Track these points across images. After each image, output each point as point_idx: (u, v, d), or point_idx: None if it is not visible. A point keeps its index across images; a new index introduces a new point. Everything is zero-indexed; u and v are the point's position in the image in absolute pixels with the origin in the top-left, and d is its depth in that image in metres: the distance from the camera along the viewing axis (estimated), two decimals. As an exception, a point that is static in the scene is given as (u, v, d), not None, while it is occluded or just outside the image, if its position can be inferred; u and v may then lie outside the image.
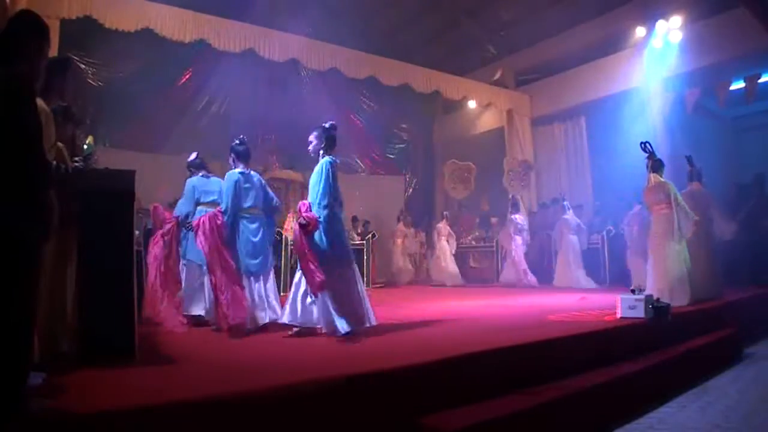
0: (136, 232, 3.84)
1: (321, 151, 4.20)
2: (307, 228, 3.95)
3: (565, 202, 9.67)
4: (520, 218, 10.06)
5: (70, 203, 2.79)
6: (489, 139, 13.25)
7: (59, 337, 3.03)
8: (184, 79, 11.28)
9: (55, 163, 2.76)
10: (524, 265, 9.76)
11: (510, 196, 10.96)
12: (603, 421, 3.14)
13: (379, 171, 14.44)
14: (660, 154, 10.00)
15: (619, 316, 4.42)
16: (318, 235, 3.97)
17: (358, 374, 2.49)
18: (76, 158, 3.39)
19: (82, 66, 9.80)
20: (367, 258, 9.53)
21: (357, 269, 4.14)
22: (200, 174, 5.14)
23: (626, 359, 3.81)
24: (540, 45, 12.15)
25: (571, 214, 9.47)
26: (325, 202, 4.00)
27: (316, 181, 4.10)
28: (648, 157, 6.04)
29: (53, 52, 5.56)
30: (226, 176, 4.51)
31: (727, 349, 4.89)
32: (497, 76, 12.85)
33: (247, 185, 4.47)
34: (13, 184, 1.82)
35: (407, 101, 13.26)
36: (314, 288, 3.83)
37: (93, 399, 2.08)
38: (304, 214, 3.99)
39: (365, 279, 9.26)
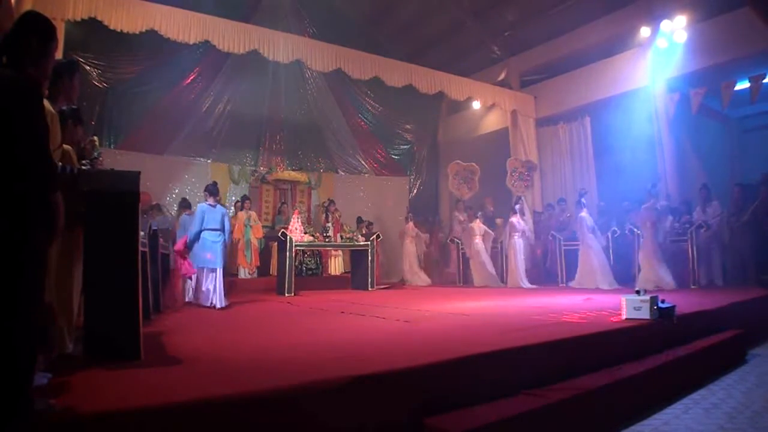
0: (141, 233, 3.87)
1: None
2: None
3: (582, 200, 9.11)
4: (515, 220, 10.07)
5: (76, 204, 2.81)
6: (493, 139, 13.23)
7: (65, 338, 3.05)
8: (189, 81, 11.31)
9: (60, 164, 2.77)
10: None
11: (514, 199, 10.92)
12: (608, 422, 3.12)
13: (383, 172, 14.44)
14: (664, 154, 10.10)
15: (624, 317, 4.41)
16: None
17: (364, 375, 2.49)
18: (84, 161, 3.41)
19: (87, 68, 9.85)
20: (371, 259, 9.39)
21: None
22: (186, 213, 8.43)
23: (631, 360, 3.80)
24: (544, 45, 12.15)
25: (586, 212, 9.01)
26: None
27: None
28: None
29: (57, 54, 5.58)
30: (197, 206, 7.14)
31: (731, 350, 4.86)
32: (502, 76, 12.85)
33: (212, 214, 6.78)
34: (19, 186, 1.83)
35: (412, 102, 13.27)
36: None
37: (97, 399, 2.09)
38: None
39: (369, 280, 9.28)
